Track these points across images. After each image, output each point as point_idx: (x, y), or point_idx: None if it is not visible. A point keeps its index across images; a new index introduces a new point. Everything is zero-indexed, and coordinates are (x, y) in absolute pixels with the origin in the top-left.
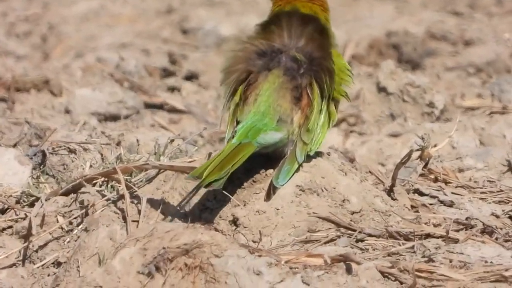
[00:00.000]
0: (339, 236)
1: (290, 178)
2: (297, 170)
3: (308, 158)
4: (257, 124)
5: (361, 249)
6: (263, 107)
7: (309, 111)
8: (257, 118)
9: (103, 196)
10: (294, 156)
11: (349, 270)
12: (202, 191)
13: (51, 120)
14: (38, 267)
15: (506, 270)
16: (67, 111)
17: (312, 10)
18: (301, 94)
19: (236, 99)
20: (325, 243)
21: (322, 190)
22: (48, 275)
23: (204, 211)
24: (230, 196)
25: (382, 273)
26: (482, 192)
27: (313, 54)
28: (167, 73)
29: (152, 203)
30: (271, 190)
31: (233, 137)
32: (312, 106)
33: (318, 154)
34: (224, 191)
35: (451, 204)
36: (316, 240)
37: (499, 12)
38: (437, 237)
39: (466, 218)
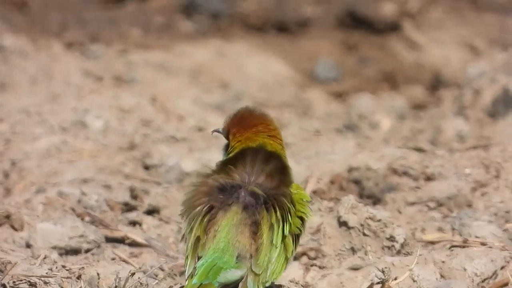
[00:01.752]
0: None
1: None
2: None
3: None
4: (217, 262)
5: None
6: (222, 244)
7: (259, 244)
8: (217, 255)
9: None
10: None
11: None
12: None
13: (12, 254)
14: None
15: None
16: (28, 245)
17: (274, 148)
18: (258, 229)
19: (197, 233)
20: None
21: None
22: None
23: None
24: None
25: None
26: None
27: (272, 190)
28: (128, 207)
29: None
30: None
31: (193, 276)
32: (261, 239)
33: (278, 287)
34: None
35: None
36: None
37: (460, 148)
38: None
39: None
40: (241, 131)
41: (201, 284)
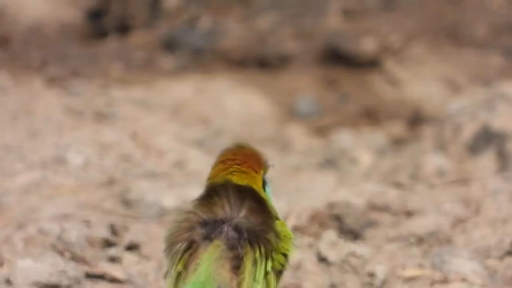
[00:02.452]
0: None
1: None
2: None
3: None
4: None
5: None
6: (202, 277)
7: (242, 278)
8: None
9: None
10: None
11: None
12: None
13: None
14: None
15: None
16: (8, 282)
17: (245, 180)
18: (240, 263)
19: (179, 268)
20: None
21: None
22: None
23: None
24: None
25: None
26: None
27: (254, 225)
28: (108, 243)
29: None
30: None
31: None
32: (243, 274)
33: None
34: None
35: None
36: None
37: (440, 183)
38: None
39: None
40: (215, 168)
41: None
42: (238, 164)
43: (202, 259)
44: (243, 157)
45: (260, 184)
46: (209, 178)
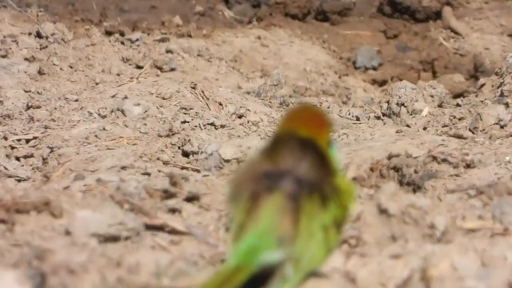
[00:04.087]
0: None
1: None
2: None
3: (308, 279)
4: (257, 245)
5: None
6: (262, 228)
7: (300, 230)
8: (257, 239)
9: None
10: (283, 274)
11: None
12: None
13: (51, 241)
14: None
15: None
16: (68, 233)
17: (307, 134)
18: (299, 216)
19: (239, 218)
20: None
21: None
22: None
23: None
24: None
25: None
26: None
27: (316, 178)
28: (167, 195)
29: None
30: None
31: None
32: (302, 226)
33: (319, 275)
34: None
35: None
36: None
37: (500, 136)
38: None
39: None
40: (280, 123)
41: (238, 265)
42: (303, 122)
43: (262, 210)
44: (308, 116)
45: (324, 141)
46: (274, 132)
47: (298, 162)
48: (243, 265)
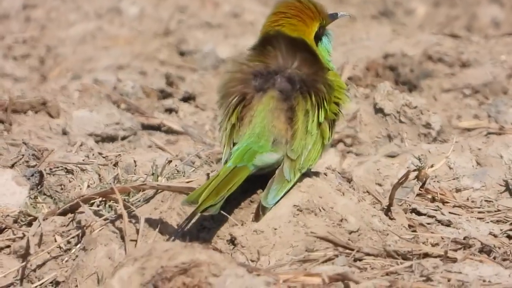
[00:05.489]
0: (337, 255)
1: (280, 197)
2: (291, 189)
3: (305, 178)
4: (252, 146)
5: (359, 268)
6: (258, 129)
7: (295, 129)
8: (252, 140)
9: (101, 216)
10: (282, 174)
11: None
12: None
13: (48, 141)
14: (36, 286)
15: None
16: (65, 133)
17: (296, 32)
18: (294, 115)
19: (232, 120)
20: (323, 262)
21: (320, 210)
22: None
23: (202, 231)
24: (228, 216)
25: None
26: (479, 212)
27: (307, 75)
28: (164, 94)
29: (150, 222)
30: (260, 211)
31: (228, 160)
32: (296, 124)
33: (315, 174)
34: (222, 211)
35: (448, 224)
36: (314, 260)
37: (496, 34)
38: (435, 257)
39: (464, 238)
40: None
41: (235, 166)
42: (288, 17)
43: (256, 110)
44: (295, 11)
45: (311, 36)
46: (262, 30)
47: (288, 61)
48: (241, 166)
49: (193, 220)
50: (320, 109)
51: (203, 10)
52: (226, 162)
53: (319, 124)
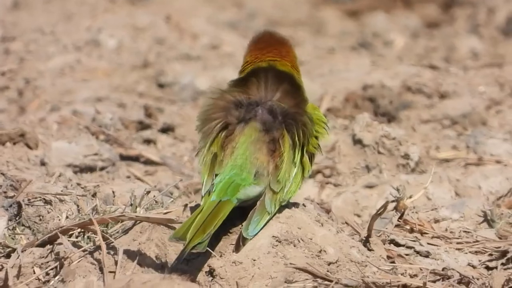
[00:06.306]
0: (316, 287)
1: (261, 228)
2: (270, 220)
3: (284, 209)
4: (235, 179)
5: None
6: (240, 161)
7: (279, 161)
8: (235, 172)
9: (80, 247)
10: (264, 206)
11: None
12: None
13: (26, 172)
14: None
15: None
16: (43, 163)
17: (287, 67)
18: (276, 147)
19: (213, 150)
20: None
21: (299, 241)
22: None
23: (181, 262)
24: (209, 250)
25: None
26: (458, 243)
27: (288, 108)
28: (143, 126)
29: (129, 254)
30: (240, 242)
31: (210, 192)
32: (282, 157)
33: (294, 205)
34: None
35: (427, 255)
36: None
37: (474, 66)
38: None
39: (443, 269)
40: (254, 53)
41: (220, 201)
42: (280, 54)
43: (238, 142)
44: (286, 50)
45: (298, 75)
46: (247, 63)
47: (270, 93)
48: (225, 200)
49: (172, 252)
50: (304, 143)
51: (181, 42)
52: (208, 193)
53: (302, 156)
